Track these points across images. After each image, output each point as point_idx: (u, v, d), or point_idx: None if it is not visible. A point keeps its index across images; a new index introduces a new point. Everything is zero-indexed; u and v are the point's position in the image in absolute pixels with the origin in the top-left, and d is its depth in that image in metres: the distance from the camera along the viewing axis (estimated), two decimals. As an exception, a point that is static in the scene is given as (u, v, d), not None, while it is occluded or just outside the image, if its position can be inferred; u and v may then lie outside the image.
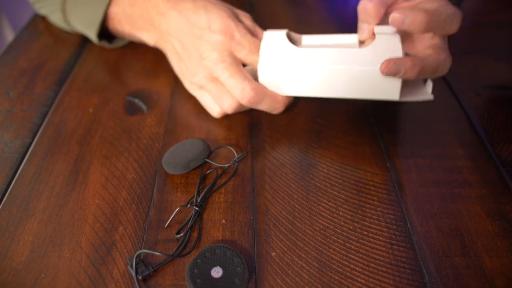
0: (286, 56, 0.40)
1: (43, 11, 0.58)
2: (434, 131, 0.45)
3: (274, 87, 0.42)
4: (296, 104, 0.48)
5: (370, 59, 0.39)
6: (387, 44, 0.39)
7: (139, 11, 0.49)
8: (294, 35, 0.45)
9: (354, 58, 0.39)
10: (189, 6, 0.44)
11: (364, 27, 0.42)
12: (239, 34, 0.42)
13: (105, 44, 0.55)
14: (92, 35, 0.53)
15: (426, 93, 0.41)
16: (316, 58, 0.40)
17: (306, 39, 0.45)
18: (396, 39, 0.40)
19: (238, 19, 0.45)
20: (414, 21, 0.38)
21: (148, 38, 0.50)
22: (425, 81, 0.43)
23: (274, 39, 0.42)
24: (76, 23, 0.54)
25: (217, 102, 0.44)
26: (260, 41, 0.43)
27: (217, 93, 0.43)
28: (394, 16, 0.38)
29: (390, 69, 0.38)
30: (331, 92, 0.41)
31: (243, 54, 0.42)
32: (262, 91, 0.42)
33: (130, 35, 0.53)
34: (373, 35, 0.41)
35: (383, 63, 0.38)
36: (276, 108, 0.43)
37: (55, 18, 0.56)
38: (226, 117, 0.46)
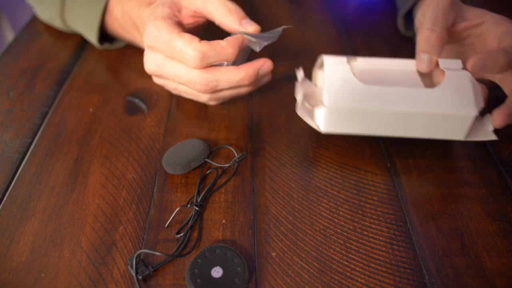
0: (355, 95, 0.36)
1: (44, 16, 0.58)
2: (434, 131, 0.45)
3: (338, 125, 0.38)
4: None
5: (445, 103, 0.37)
6: (459, 84, 0.37)
7: (131, 22, 0.49)
8: (350, 59, 0.41)
9: (428, 100, 0.37)
10: (150, 20, 0.43)
11: (424, 58, 0.39)
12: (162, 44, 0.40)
13: (107, 46, 0.55)
14: (93, 40, 0.53)
15: (489, 133, 0.39)
16: (387, 100, 0.36)
17: (361, 63, 0.41)
18: (467, 78, 0.38)
19: (177, 19, 0.43)
20: (494, 66, 0.36)
21: None
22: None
23: (339, 73, 0.37)
24: (76, 27, 0.55)
25: (193, 98, 0.45)
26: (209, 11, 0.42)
27: (187, 93, 0.44)
28: (473, 63, 0.36)
29: (505, 122, 0.36)
30: (396, 131, 0.38)
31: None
32: (213, 75, 0.40)
33: (132, 43, 0.54)
34: (437, 67, 0.39)
35: (496, 117, 0.36)
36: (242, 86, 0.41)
37: (57, 23, 0.57)
38: (226, 117, 0.46)
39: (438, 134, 0.39)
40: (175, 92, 0.46)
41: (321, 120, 0.37)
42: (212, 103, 0.44)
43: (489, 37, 0.40)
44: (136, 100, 0.49)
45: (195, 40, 0.39)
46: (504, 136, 0.44)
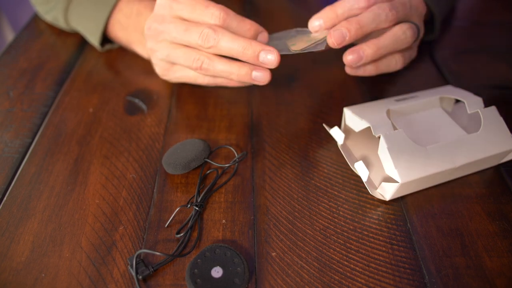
0: (420, 162, 0.36)
1: (48, 16, 0.58)
2: (434, 131, 0.45)
3: (403, 191, 0.38)
4: (296, 104, 0.48)
5: (492, 144, 0.39)
6: (494, 121, 0.40)
7: (135, 35, 0.50)
8: (382, 110, 0.41)
9: (478, 147, 0.38)
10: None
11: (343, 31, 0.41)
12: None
13: (108, 46, 0.56)
14: (96, 43, 0.54)
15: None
16: (446, 159, 0.37)
17: (400, 122, 0.41)
18: (496, 113, 0.40)
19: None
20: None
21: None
22: None
23: (397, 143, 0.37)
24: (79, 29, 0.55)
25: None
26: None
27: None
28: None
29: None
30: (449, 178, 0.39)
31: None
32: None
33: (129, 45, 0.54)
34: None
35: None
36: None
37: (61, 24, 0.57)
38: (226, 117, 0.46)
39: (481, 167, 0.40)
40: (188, 80, 0.47)
41: (389, 192, 0.37)
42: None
43: None
44: (136, 100, 0.49)
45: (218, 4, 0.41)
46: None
